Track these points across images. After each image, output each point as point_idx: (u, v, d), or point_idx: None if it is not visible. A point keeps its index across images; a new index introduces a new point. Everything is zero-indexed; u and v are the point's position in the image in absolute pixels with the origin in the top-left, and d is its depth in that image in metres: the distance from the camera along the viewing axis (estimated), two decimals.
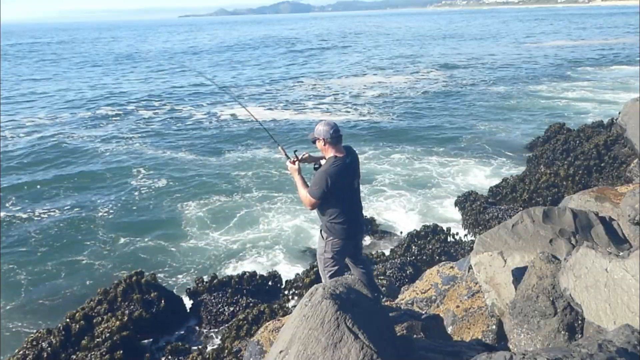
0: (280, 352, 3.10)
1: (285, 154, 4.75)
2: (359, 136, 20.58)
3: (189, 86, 35.85)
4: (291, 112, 26.46)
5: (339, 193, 4.36)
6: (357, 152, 4.66)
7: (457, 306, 5.74)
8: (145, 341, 8.18)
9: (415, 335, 4.25)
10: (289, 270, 10.40)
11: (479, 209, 11.80)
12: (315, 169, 4.51)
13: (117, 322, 8.05)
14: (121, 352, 7.63)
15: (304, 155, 4.70)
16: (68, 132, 23.00)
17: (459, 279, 6.44)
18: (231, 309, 8.91)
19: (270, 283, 9.69)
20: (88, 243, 11.96)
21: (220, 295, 9.19)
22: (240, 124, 23.69)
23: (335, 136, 4.32)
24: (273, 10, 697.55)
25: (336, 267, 4.55)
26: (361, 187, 4.73)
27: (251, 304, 8.92)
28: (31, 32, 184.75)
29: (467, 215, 11.99)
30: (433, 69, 41.79)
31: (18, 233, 12.55)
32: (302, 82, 37.37)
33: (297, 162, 4.55)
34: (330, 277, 4.49)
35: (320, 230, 4.61)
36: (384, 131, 21.52)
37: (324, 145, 4.36)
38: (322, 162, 4.52)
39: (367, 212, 12.75)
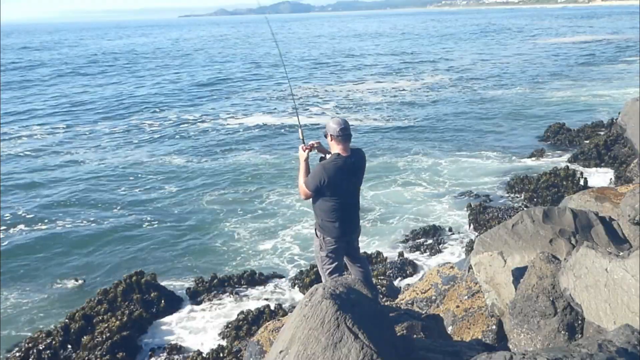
0: (280, 352, 3.10)
1: (302, 138, 4.70)
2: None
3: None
4: None
5: (335, 191, 4.33)
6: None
7: (457, 306, 5.74)
8: (145, 341, 8.17)
9: (415, 335, 4.25)
10: (289, 270, 10.39)
11: (479, 209, 11.80)
12: (321, 159, 4.48)
13: (117, 322, 8.06)
14: (121, 352, 7.65)
15: (314, 143, 4.62)
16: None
17: (459, 279, 6.45)
18: (231, 309, 8.92)
19: (270, 282, 9.71)
20: (88, 243, 11.96)
21: (220, 295, 9.20)
22: (242, 128, 23.69)
23: (342, 134, 4.28)
24: (273, 10, 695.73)
25: (334, 265, 4.53)
26: (366, 184, 4.68)
27: (251, 304, 8.94)
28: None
29: (467, 215, 11.99)
30: (439, 70, 41.77)
31: (19, 233, 12.56)
32: None
33: (307, 150, 4.51)
34: (330, 274, 4.48)
35: (315, 229, 4.60)
36: (381, 132, 21.52)
37: (331, 141, 4.36)
38: (328, 156, 4.47)
39: (367, 211, 12.76)
